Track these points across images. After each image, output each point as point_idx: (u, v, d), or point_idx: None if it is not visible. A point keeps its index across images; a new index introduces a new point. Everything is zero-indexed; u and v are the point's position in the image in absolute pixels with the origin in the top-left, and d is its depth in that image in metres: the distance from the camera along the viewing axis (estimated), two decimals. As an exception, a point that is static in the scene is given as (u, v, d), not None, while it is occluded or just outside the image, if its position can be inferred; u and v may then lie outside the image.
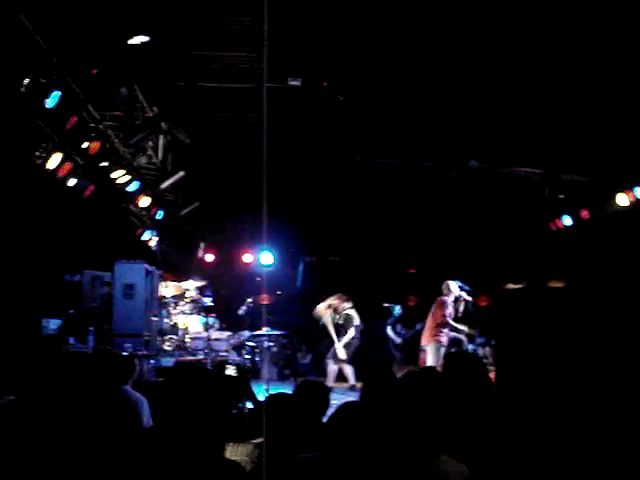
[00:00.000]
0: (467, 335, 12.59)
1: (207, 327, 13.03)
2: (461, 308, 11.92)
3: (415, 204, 15.17)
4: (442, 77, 9.94)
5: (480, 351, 12.30)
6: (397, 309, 15.19)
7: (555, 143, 11.20)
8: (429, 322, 11.64)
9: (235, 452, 3.98)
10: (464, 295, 11.86)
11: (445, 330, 11.52)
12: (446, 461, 2.88)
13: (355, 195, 15.09)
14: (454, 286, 11.75)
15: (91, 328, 10.61)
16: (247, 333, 13.57)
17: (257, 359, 13.79)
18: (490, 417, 3.91)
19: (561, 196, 13.04)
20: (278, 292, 16.21)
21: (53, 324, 10.91)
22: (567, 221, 13.39)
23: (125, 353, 9.67)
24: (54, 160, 9.39)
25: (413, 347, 14.63)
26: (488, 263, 14.79)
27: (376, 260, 17.40)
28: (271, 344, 13.40)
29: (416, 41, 9.13)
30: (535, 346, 8.62)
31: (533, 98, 10.06)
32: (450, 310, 11.60)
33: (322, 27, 9.10)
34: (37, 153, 8.95)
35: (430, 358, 11.25)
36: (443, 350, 11.32)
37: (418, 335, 12.30)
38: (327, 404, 4.45)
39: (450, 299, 11.68)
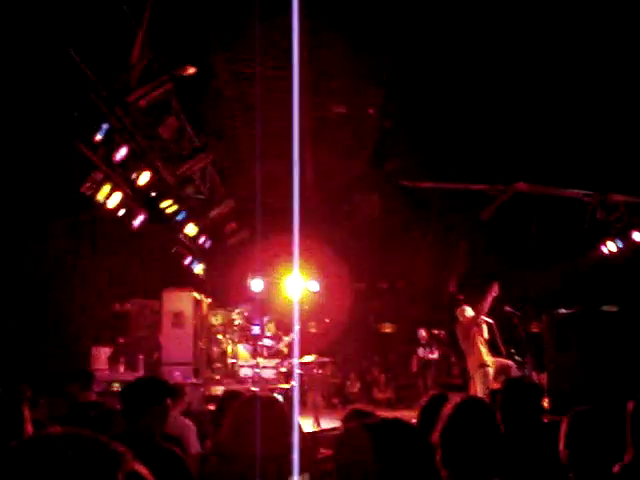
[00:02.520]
0: (518, 361, 12.35)
1: (255, 355, 13.03)
2: (484, 331, 11.65)
3: (462, 228, 15.05)
4: (489, 99, 9.87)
5: (534, 376, 12.03)
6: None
7: (605, 164, 11.01)
8: (467, 349, 11.39)
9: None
10: (483, 318, 11.61)
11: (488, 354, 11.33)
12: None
13: (403, 220, 15.04)
14: (469, 311, 11.54)
15: (141, 356, 10.68)
16: (295, 361, 13.52)
17: (305, 387, 13.72)
18: (543, 445, 3.79)
19: (612, 218, 12.78)
20: (326, 319, 16.14)
21: (103, 353, 11.02)
22: (614, 247, 13.11)
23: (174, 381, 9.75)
24: (104, 191, 9.53)
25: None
26: (539, 287, 14.54)
27: (424, 286, 17.25)
28: (319, 372, 13.28)
29: (463, 64, 9.10)
30: (588, 369, 8.41)
31: (583, 118, 9.93)
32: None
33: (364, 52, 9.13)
34: (87, 184, 9.09)
35: (479, 385, 11.04)
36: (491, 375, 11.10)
37: None
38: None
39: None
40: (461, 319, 11.58)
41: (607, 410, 3.06)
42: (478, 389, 10.81)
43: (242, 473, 2.97)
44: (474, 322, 11.36)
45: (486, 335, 11.52)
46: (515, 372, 11.62)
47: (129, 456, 1.79)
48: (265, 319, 14.46)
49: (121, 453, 1.77)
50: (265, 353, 13.55)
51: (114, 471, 1.74)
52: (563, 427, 3.00)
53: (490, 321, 11.55)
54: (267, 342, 13.91)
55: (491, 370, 11.20)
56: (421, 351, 14.60)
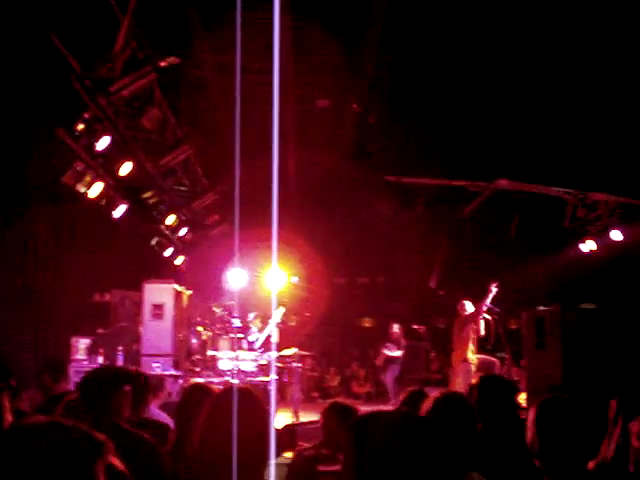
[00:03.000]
0: (500, 357, 12.49)
1: (235, 347, 13.01)
2: (481, 328, 11.81)
3: (444, 224, 15.11)
4: (469, 94, 9.91)
5: (513, 373, 12.15)
6: None
7: (586, 162, 11.08)
8: (457, 342, 11.64)
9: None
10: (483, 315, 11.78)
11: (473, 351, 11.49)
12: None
13: (385, 215, 15.06)
14: (469, 306, 11.78)
15: (120, 348, 10.64)
16: (275, 354, 13.52)
17: (284, 380, 13.73)
18: (519, 440, 3.83)
19: (591, 217, 12.88)
20: (307, 314, 16.17)
21: (82, 343, 10.97)
22: (593, 245, 13.20)
23: (153, 373, 9.73)
24: (85, 181, 9.47)
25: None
26: (517, 285, 14.62)
27: (404, 281, 17.31)
28: (298, 365, 13.29)
29: (445, 58, 9.12)
30: (567, 367, 8.47)
31: (563, 115, 9.99)
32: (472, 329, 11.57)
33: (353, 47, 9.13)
34: (68, 173, 9.03)
35: (460, 380, 11.18)
36: (473, 371, 11.26)
37: None
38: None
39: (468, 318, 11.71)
40: (461, 314, 11.79)
41: (578, 400, 3.05)
42: (459, 384, 10.94)
43: (217, 464, 2.97)
44: (472, 318, 11.56)
45: (482, 332, 11.70)
46: (498, 370, 11.75)
47: (110, 445, 1.80)
48: (251, 315, 14.43)
49: (102, 442, 1.77)
50: (247, 347, 13.53)
51: (94, 459, 1.75)
52: (531, 415, 2.99)
53: (488, 317, 11.72)
54: (253, 337, 13.90)
55: (473, 367, 11.36)
56: (388, 346, 14.65)
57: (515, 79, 9.37)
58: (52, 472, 1.67)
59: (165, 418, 5.67)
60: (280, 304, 14.03)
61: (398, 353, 14.58)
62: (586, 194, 12.36)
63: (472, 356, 11.55)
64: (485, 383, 4.51)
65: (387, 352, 14.53)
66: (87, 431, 1.77)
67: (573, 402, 2.97)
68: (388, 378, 14.59)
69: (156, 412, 5.78)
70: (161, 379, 8.39)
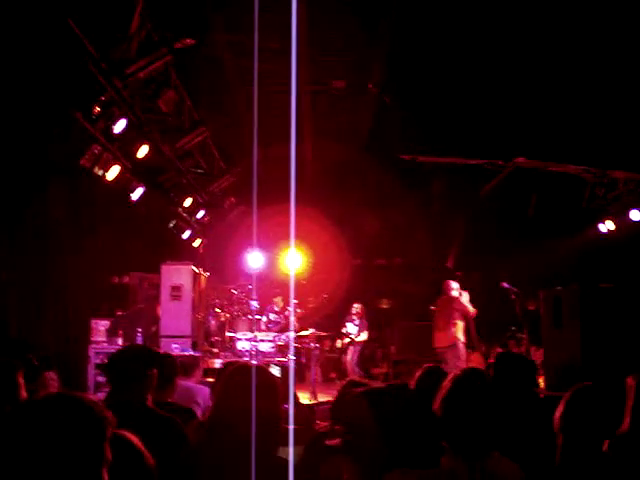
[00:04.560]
0: (516, 338, 12.51)
1: (253, 329, 13.09)
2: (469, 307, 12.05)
3: (461, 204, 15.04)
4: (486, 72, 9.82)
5: (532, 352, 12.16)
6: None
7: (605, 139, 10.96)
8: (447, 324, 11.82)
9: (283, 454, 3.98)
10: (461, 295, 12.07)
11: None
12: (499, 459, 2.82)
13: (401, 195, 15.02)
14: (455, 287, 12.11)
15: (139, 329, 10.73)
16: (293, 335, 13.60)
17: (302, 360, 13.82)
18: (540, 419, 3.83)
19: (611, 196, 12.77)
20: (325, 295, 16.20)
21: (102, 325, 11.07)
22: (612, 225, 13.08)
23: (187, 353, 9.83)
24: (102, 163, 9.50)
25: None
26: (536, 265, 14.55)
27: (422, 262, 17.27)
28: (316, 346, 13.35)
29: (462, 36, 9.04)
30: (584, 346, 8.44)
31: (582, 91, 9.87)
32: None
33: (367, 25, 9.07)
34: (86, 156, 9.07)
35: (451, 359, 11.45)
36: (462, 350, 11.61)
37: None
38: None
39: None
40: (447, 293, 11.90)
41: (606, 387, 3.08)
42: (448, 364, 11.10)
43: (234, 439, 3.01)
44: (457, 303, 11.63)
45: (472, 310, 11.81)
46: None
47: (114, 421, 1.86)
48: (277, 299, 14.53)
49: (107, 416, 1.84)
50: (264, 327, 13.61)
51: (100, 432, 1.81)
52: (563, 401, 3.02)
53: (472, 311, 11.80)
54: (272, 317, 13.98)
55: (462, 347, 11.42)
56: (349, 327, 14.70)
57: (534, 56, 9.27)
58: (60, 445, 1.73)
59: (206, 393, 5.71)
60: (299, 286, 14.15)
61: (363, 336, 14.62)
62: (605, 172, 12.25)
63: (461, 336, 11.67)
64: (503, 360, 4.51)
65: (357, 333, 14.58)
66: (94, 405, 1.83)
67: (601, 390, 3.01)
68: (346, 358, 14.68)
69: (197, 387, 5.88)
70: (196, 359, 8.49)
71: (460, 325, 11.77)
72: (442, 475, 2.70)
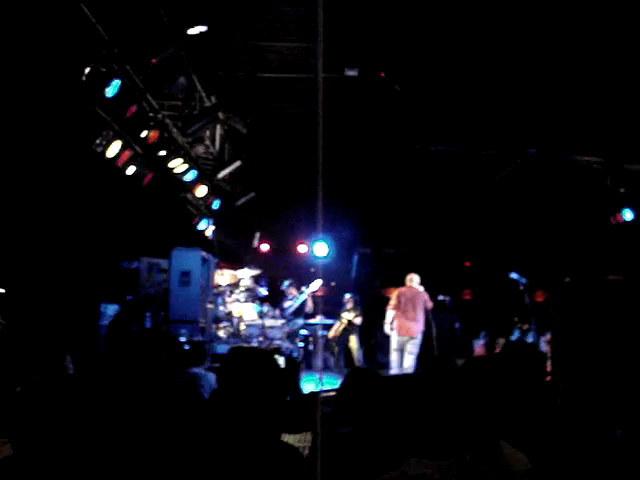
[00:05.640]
0: (521, 328, 12.55)
1: (261, 315, 13.13)
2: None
3: (472, 194, 15.01)
4: (500, 62, 9.78)
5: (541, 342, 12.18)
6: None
7: (619, 131, 10.91)
8: (419, 315, 12.44)
9: (288, 440, 4.00)
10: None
11: None
12: (505, 448, 2.83)
13: (411, 185, 15.00)
14: (417, 278, 12.79)
15: (148, 314, 10.79)
16: (301, 321, 13.64)
17: (310, 348, 13.86)
18: (547, 407, 3.84)
19: (622, 190, 12.70)
20: (332, 283, 16.23)
21: (111, 310, 11.13)
22: (628, 215, 12.99)
23: (182, 339, 9.86)
24: (113, 148, 9.54)
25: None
26: (546, 256, 14.53)
27: (431, 252, 17.26)
28: (324, 333, 13.40)
29: (475, 27, 9.00)
30: (592, 337, 8.45)
31: (597, 84, 9.83)
32: None
33: (378, 15, 9.02)
34: (97, 141, 9.10)
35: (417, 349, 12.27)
36: None
37: None
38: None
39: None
40: (415, 284, 12.78)
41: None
42: (415, 354, 12.18)
43: (237, 424, 3.03)
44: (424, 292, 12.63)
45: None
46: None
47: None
48: (286, 283, 14.56)
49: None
50: (278, 313, 13.64)
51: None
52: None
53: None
54: (287, 304, 14.03)
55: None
56: (345, 315, 14.74)
57: (546, 49, 9.22)
58: None
59: (213, 379, 5.76)
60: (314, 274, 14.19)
61: (358, 320, 14.69)
62: (617, 164, 12.19)
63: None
64: (510, 350, 4.51)
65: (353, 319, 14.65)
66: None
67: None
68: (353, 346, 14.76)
69: (204, 374, 5.93)
70: (202, 345, 8.53)
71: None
72: (459, 465, 2.70)
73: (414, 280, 12.73)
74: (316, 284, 13.79)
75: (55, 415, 1.85)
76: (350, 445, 2.87)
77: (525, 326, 13.24)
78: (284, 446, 3.10)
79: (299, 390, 8.57)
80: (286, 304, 14.08)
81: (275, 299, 14.49)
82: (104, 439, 2.72)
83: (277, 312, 13.67)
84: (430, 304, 12.65)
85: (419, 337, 12.37)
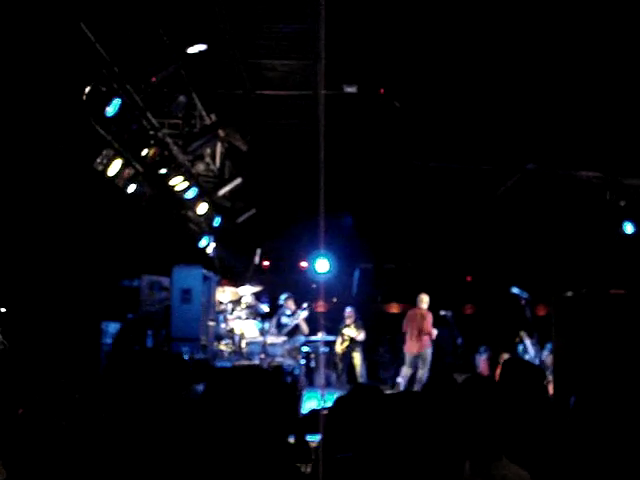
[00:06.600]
0: (524, 343, 12.55)
1: (263, 332, 13.11)
2: None
3: (472, 209, 15.02)
4: (499, 79, 9.81)
5: (536, 359, 12.14)
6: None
7: (618, 146, 10.93)
8: (422, 334, 13.38)
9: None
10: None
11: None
12: (508, 466, 2.83)
13: (412, 201, 15.02)
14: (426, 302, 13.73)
15: (149, 332, 10.77)
16: (302, 339, 13.61)
17: (312, 364, 13.82)
18: (548, 424, 3.83)
19: (622, 203, 12.69)
20: (334, 299, 16.21)
21: (112, 328, 11.11)
22: (629, 229, 12.97)
23: (185, 357, 9.85)
24: (114, 167, 9.56)
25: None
26: (547, 270, 14.52)
27: (432, 267, 17.25)
28: (326, 350, 13.39)
29: (473, 45, 9.03)
30: (594, 352, 8.42)
31: (594, 99, 9.85)
32: None
33: (378, 33, 9.07)
34: (98, 160, 9.13)
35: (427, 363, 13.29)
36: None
37: None
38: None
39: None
40: (423, 305, 13.62)
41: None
42: (426, 367, 13.20)
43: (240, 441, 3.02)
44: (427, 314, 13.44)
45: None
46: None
47: None
48: (283, 297, 14.53)
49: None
50: (275, 330, 13.62)
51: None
52: None
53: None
54: (284, 320, 14.00)
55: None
56: (347, 331, 14.73)
57: (544, 65, 9.25)
58: None
59: None
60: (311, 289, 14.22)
61: (362, 336, 14.70)
62: (616, 179, 12.20)
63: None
64: (510, 367, 4.50)
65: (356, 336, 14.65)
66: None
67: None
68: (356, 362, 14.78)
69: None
70: (206, 362, 8.50)
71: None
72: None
73: (423, 301, 13.66)
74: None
75: (55, 437, 1.85)
76: (350, 472, 2.85)
77: (527, 340, 13.21)
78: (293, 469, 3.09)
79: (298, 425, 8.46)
80: (283, 320, 14.05)
81: (274, 314, 14.47)
82: (107, 458, 2.72)
83: (274, 324, 13.67)
84: (427, 328, 13.44)
85: (426, 352, 13.33)
